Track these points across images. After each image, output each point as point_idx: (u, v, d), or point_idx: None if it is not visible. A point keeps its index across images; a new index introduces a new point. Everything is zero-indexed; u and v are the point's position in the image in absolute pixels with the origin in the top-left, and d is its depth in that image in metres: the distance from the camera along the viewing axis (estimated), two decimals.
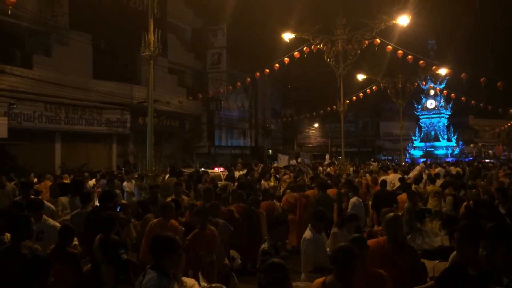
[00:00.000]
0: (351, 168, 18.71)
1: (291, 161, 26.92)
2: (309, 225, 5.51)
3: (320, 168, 21.61)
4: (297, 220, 9.23)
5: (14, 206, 6.36)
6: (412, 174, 14.26)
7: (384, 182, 11.03)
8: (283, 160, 25.11)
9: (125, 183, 11.75)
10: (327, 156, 25.29)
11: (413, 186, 11.02)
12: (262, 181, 12.99)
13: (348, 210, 8.47)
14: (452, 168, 20.16)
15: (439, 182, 12.51)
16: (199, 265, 5.27)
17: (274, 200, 9.38)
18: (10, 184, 10.25)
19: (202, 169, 17.77)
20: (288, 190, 10.29)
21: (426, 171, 17.61)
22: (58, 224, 5.57)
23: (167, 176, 10.96)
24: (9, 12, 10.44)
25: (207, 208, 6.27)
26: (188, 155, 28.50)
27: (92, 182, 13.05)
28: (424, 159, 33.47)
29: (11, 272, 3.92)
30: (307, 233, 5.34)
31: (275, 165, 20.54)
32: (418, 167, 15.44)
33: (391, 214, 4.79)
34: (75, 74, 19.73)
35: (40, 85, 18.11)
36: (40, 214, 5.52)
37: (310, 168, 21.05)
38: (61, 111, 19.51)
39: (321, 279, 3.41)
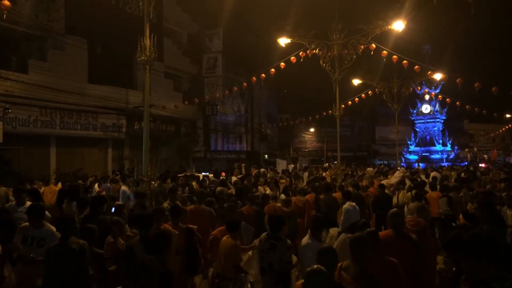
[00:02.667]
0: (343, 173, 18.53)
1: (289, 166, 26.96)
2: (309, 231, 5.54)
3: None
4: (305, 223, 9.31)
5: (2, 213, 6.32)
6: (393, 180, 13.16)
7: (382, 186, 11.47)
8: (281, 165, 25.19)
9: (124, 188, 11.77)
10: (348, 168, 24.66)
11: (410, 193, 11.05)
12: (259, 187, 12.95)
13: (342, 217, 8.45)
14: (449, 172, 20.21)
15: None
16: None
17: (276, 203, 9.42)
18: (2, 188, 10.22)
19: (203, 173, 17.84)
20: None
21: (426, 175, 17.63)
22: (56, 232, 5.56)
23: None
24: (4, 17, 10.40)
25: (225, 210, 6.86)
26: (184, 159, 28.46)
27: (96, 186, 13.25)
28: (408, 164, 33.60)
29: (64, 265, 4.68)
30: (305, 239, 5.38)
31: (262, 170, 20.47)
32: (399, 173, 13.75)
33: (394, 210, 5.71)
34: (70, 79, 19.67)
35: (36, 89, 18.06)
36: (42, 220, 5.52)
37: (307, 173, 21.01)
38: (56, 116, 19.44)
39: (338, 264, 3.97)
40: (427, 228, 6.35)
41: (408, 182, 12.71)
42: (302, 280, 3.63)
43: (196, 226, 6.63)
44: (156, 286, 3.21)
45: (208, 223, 7.51)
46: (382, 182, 12.86)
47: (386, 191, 11.85)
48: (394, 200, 11.40)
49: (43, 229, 5.41)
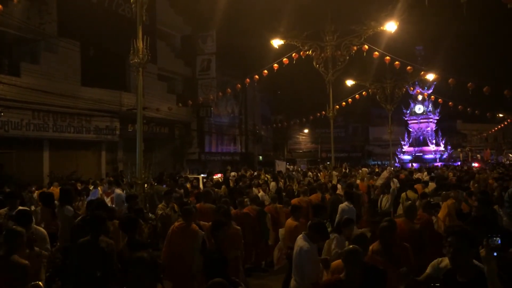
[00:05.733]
0: (335, 174, 18.52)
1: (288, 167, 27.02)
2: (303, 233, 5.49)
3: (310, 174, 21.64)
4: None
5: None
6: (378, 182, 12.03)
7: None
8: (280, 166, 25.22)
9: (119, 191, 11.69)
10: (345, 165, 24.26)
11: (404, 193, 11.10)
12: (254, 188, 12.99)
13: (337, 216, 8.50)
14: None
15: (432, 185, 12.61)
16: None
17: (277, 204, 9.67)
18: None
19: (202, 175, 17.92)
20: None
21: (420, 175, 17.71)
22: (45, 232, 5.73)
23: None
24: None
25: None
26: (178, 162, 28.40)
27: (100, 188, 13.16)
28: (401, 164, 33.71)
29: (91, 260, 4.98)
30: (303, 243, 5.28)
31: (262, 174, 20.50)
32: (385, 173, 12.53)
33: (408, 202, 7.00)
34: (63, 82, 19.59)
35: (28, 92, 17.94)
36: (30, 224, 5.62)
37: (301, 174, 21.07)
38: (49, 119, 19.34)
39: (370, 247, 4.80)
40: (429, 222, 7.27)
41: (393, 186, 11.59)
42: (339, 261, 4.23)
43: (207, 223, 6.75)
44: (148, 279, 3.21)
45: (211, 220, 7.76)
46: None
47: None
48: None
49: (31, 232, 5.51)
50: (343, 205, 8.76)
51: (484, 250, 2.81)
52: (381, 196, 10.83)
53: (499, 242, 2.77)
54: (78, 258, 5.11)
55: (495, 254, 2.77)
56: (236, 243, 6.36)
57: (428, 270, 4.02)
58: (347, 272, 3.86)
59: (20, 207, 7.20)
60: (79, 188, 13.02)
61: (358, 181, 14.00)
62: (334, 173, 18.39)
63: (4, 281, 4.48)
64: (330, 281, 4.02)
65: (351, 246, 4.05)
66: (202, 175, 18.39)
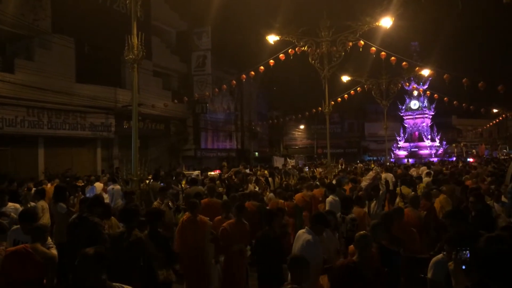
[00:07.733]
0: (318, 170, 18.55)
1: (290, 163, 26.98)
2: (306, 227, 5.52)
3: (306, 170, 21.65)
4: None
5: None
6: (363, 183, 10.43)
7: None
8: (278, 162, 25.26)
9: (114, 187, 11.66)
10: (341, 161, 24.03)
11: (399, 188, 11.12)
12: (249, 185, 13.01)
13: (326, 208, 8.60)
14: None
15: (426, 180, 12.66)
16: (229, 252, 6.50)
17: (278, 199, 9.73)
18: None
19: (197, 171, 17.94)
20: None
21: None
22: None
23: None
24: None
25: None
26: (174, 158, 28.37)
27: (99, 185, 13.04)
28: (397, 160, 33.78)
29: (122, 251, 5.10)
30: (308, 236, 5.29)
31: (258, 171, 20.55)
32: (371, 173, 10.79)
33: (413, 193, 8.52)
34: (58, 78, 19.48)
35: (22, 89, 17.84)
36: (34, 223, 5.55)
37: (296, 170, 21.07)
38: (44, 116, 19.23)
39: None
40: (431, 208, 8.02)
41: (382, 188, 10.05)
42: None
43: (208, 218, 7.03)
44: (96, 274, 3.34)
45: (219, 214, 7.93)
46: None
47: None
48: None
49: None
50: (330, 198, 8.96)
51: (453, 263, 2.81)
52: (367, 202, 9.32)
53: (468, 256, 2.76)
54: (112, 249, 5.13)
55: (463, 267, 2.76)
56: (243, 237, 6.61)
57: (430, 274, 4.08)
58: (359, 254, 4.25)
59: (10, 203, 7.21)
60: (79, 185, 12.84)
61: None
62: (318, 169, 18.51)
63: (32, 269, 4.79)
64: (343, 263, 4.34)
65: (362, 232, 4.53)
66: (197, 171, 18.41)
